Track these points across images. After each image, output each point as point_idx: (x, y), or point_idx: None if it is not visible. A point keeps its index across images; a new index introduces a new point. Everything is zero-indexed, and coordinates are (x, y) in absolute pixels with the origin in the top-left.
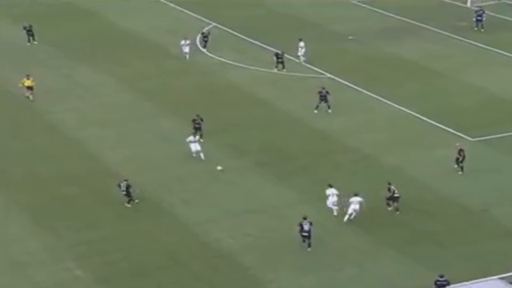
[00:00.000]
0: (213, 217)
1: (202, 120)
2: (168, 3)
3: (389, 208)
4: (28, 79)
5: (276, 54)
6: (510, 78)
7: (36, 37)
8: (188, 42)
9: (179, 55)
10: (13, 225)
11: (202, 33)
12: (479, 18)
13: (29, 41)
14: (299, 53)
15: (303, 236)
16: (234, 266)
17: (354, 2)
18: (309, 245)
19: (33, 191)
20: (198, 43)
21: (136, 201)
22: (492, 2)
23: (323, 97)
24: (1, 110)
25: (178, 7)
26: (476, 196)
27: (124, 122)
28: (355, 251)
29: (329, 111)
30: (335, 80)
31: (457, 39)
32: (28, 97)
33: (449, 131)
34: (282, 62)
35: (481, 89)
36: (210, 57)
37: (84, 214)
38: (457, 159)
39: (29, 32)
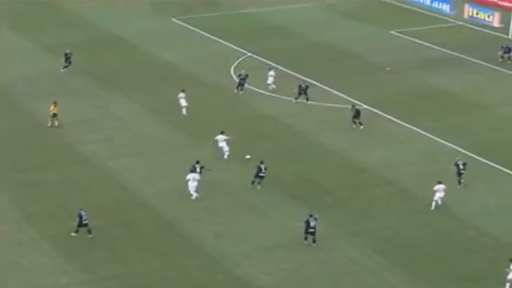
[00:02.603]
0: (245, 250)
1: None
2: (205, 33)
3: None
4: (55, 106)
5: (299, 86)
6: None
7: (72, 65)
8: (183, 95)
9: (212, 86)
10: (43, 258)
11: (239, 75)
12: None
13: (65, 67)
14: (268, 81)
15: (309, 233)
16: None
17: (393, 32)
18: (314, 241)
19: (63, 224)
20: (233, 75)
21: (91, 235)
22: None
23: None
24: (33, 140)
25: (214, 37)
26: None
27: (156, 153)
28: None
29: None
30: (372, 111)
31: (501, 71)
32: (52, 126)
33: (492, 166)
34: (304, 93)
35: None
36: (244, 87)
37: (114, 247)
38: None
39: (68, 59)
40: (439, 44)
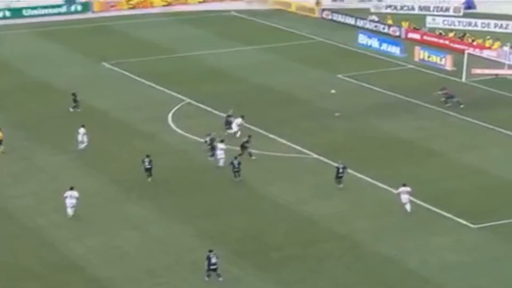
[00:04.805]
0: None
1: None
2: (138, 78)
3: None
4: None
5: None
6: (511, 158)
7: None
8: (84, 131)
9: (147, 134)
10: None
11: (228, 116)
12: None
13: None
14: (235, 129)
15: (211, 270)
16: None
17: (341, 76)
18: (219, 276)
19: None
20: (170, 123)
21: None
22: (488, 77)
23: (228, 124)
24: None
25: (149, 82)
26: None
27: (87, 207)
28: None
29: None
30: (321, 160)
31: (454, 116)
32: None
33: (448, 217)
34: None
35: (481, 170)
36: (183, 136)
37: None
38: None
39: None
40: (389, 89)
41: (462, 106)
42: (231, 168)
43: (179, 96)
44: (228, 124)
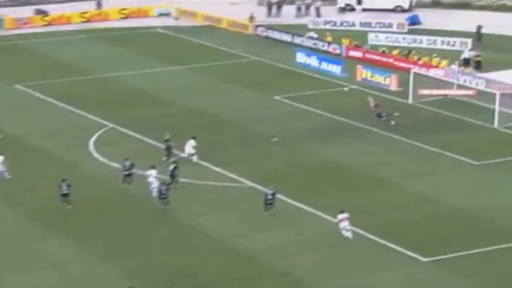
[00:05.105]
0: None
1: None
2: (56, 102)
3: None
4: None
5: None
6: (462, 184)
7: None
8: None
9: (67, 163)
10: None
11: (166, 140)
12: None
13: None
14: (191, 151)
15: None
16: None
17: (278, 97)
18: None
19: None
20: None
21: None
22: (436, 98)
23: (168, 149)
24: None
25: (68, 106)
26: None
27: (1, 246)
28: None
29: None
30: (258, 189)
31: (400, 140)
32: None
33: (397, 250)
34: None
35: (431, 199)
36: (106, 164)
37: None
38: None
39: None
40: (330, 111)
41: (393, 123)
42: (158, 195)
43: (101, 120)
44: (168, 150)
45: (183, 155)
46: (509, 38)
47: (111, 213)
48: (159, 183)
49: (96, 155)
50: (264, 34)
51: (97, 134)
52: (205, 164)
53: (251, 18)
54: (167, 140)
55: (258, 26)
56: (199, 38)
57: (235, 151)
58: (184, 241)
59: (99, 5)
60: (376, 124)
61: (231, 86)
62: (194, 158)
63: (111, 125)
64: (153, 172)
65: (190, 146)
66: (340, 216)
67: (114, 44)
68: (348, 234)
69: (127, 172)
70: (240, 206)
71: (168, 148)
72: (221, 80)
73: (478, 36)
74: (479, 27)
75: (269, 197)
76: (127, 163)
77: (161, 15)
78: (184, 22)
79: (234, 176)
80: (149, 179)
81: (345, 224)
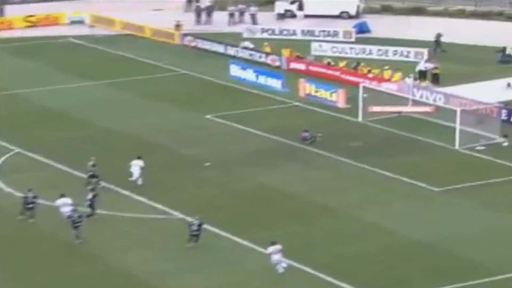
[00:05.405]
0: None
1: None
2: None
3: None
4: None
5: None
6: (419, 213)
7: None
8: None
9: None
10: None
11: (92, 166)
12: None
13: None
14: (136, 175)
15: None
16: None
17: (210, 117)
18: None
19: None
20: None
21: None
22: (389, 116)
23: (93, 177)
24: None
25: None
26: None
27: None
28: None
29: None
30: (186, 221)
31: (350, 164)
32: None
33: None
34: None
35: (384, 230)
36: (12, 194)
37: None
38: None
39: None
40: (270, 131)
41: (314, 142)
42: (70, 223)
43: (5, 144)
44: (94, 177)
45: (104, 184)
46: (470, 47)
47: (19, 251)
48: (71, 209)
49: (0, 184)
50: (193, 44)
51: (0, 160)
52: (127, 193)
53: (178, 26)
54: (93, 166)
55: (185, 35)
56: (118, 49)
57: (162, 178)
58: (104, 282)
59: (1, 11)
60: (323, 147)
61: (155, 104)
62: (140, 181)
63: (17, 149)
64: (65, 201)
65: (137, 167)
66: (271, 248)
67: (20, 56)
68: (279, 268)
69: (30, 206)
70: (168, 241)
71: (93, 176)
72: (144, 97)
73: (437, 46)
74: (439, 36)
75: (194, 227)
76: (30, 195)
77: (73, 22)
78: (100, 31)
79: (160, 206)
80: (61, 209)
81: (277, 258)
